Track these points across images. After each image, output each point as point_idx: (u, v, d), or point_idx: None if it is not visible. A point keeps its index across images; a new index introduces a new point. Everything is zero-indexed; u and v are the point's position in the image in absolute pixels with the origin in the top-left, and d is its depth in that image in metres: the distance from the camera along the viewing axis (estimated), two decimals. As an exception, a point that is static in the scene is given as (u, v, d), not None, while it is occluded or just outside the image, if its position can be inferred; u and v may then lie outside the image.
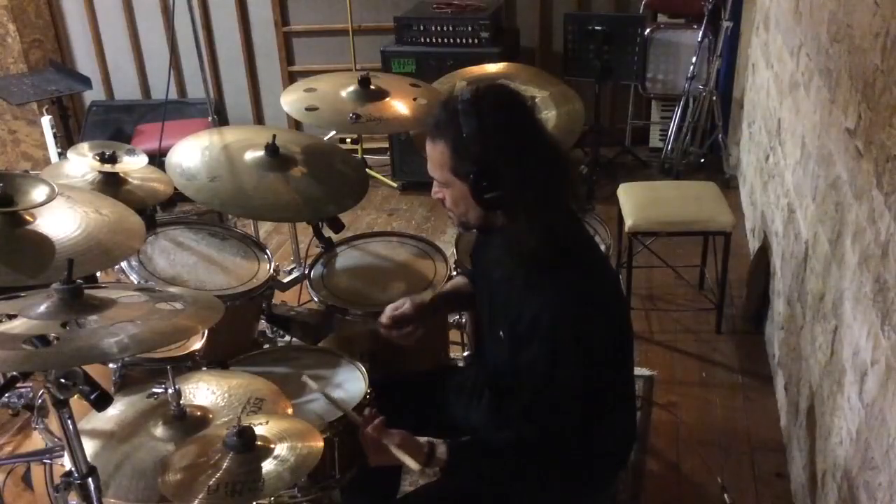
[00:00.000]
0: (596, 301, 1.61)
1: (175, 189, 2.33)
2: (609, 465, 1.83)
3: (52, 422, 2.09)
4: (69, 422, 1.42)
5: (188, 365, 1.97)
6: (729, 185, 4.47)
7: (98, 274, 2.15)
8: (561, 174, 1.64)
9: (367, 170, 3.75)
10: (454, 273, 2.38)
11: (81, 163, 2.26)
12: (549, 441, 1.62)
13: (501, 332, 1.70)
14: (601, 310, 1.62)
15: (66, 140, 3.86)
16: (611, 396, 1.69)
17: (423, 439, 1.65)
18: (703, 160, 4.66)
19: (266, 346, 2.41)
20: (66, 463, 1.50)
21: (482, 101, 1.60)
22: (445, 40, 4.41)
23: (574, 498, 1.79)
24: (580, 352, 1.58)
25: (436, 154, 1.63)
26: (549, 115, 2.59)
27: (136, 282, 2.16)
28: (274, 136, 2.39)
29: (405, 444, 1.63)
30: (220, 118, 5.09)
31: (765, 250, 3.34)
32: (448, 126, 1.59)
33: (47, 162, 4.41)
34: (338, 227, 2.45)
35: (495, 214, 1.64)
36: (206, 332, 2.02)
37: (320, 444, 1.56)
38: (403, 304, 1.96)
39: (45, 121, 3.77)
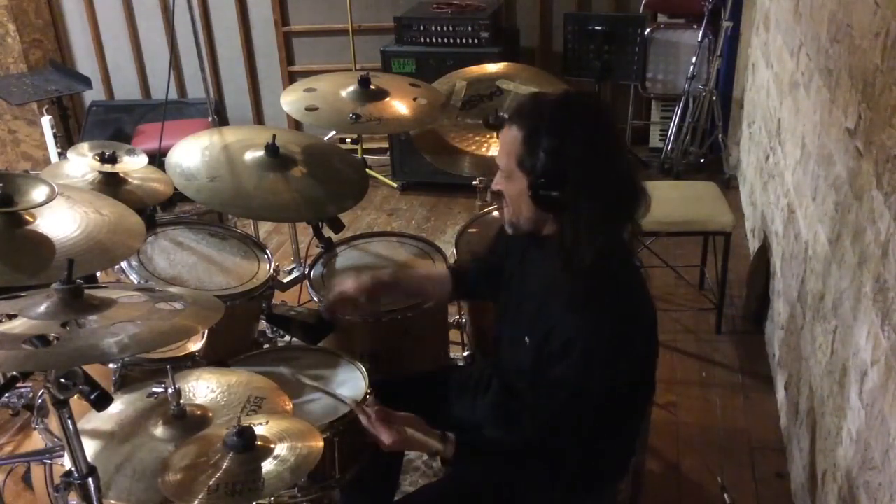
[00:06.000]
0: (631, 335, 1.59)
1: (175, 189, 2.33)
2: (613, 468, 1.83)
3: (52, 422, 2.09)
4: (69, 422, 1.41)
5: (188, 365, 1.97)
6: (729, 185, 4.47)
7: (98, 274, 2.15)
8: (625, 204, 1.59)
9: (367, 170, 3.75)
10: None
11: (81, 163, 2.26)
12: (558, 447, 1.62)
13: (527, 339, 1.69)
14: (635, 344, 1.60)
15: (66, 140, 3.86)
16: (628, 414, 1.69)
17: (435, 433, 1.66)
18: (703, 160, 4.66)
19: (266, 346, 2.41)
20: (66, 463, 1.50)
21: (571, 103, 1.58)
22: (445, 40, 4.41)
23: (575, 499, 1.79)
24: (608, 381, 1.57)
25: (508, 139, 1.59)
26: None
27: (136, 282, 2.16)
28: (274, 136, 2.39)
29: (418, 426, 1.64)
30: (220, 118, 5.09)
31: (765, 250, 3.34)
32: (530, 115, 1.56)
33: (47, 162, 4.41)
34: (338, 227, 2.45)
35: (546, 221, 1.61)
36: (206, 332, 2.02)
37: (320, 444, 1.56)
38: (345, 286, 2.00)
39: (45, 121, 3.77)
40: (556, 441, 1.62)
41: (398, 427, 1.64)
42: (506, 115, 1.62)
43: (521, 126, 1.56)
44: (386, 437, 1.65)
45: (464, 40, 4.39)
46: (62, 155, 3.41)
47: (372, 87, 2.57)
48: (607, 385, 1.56)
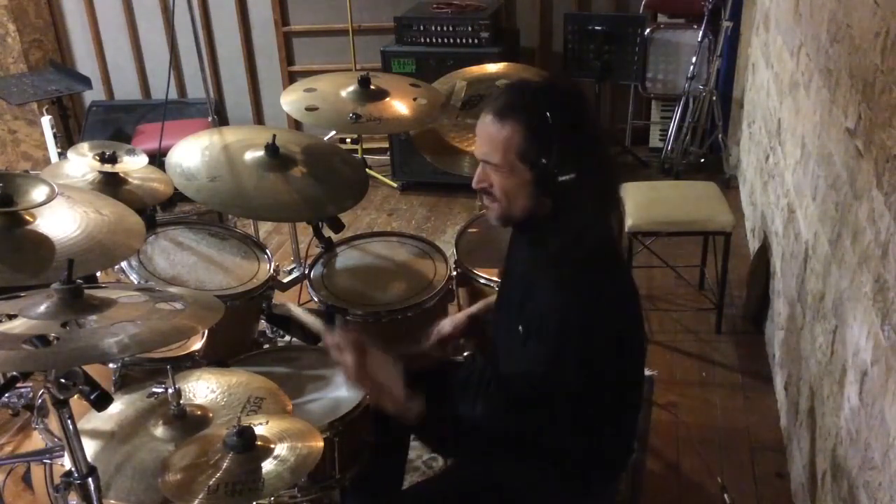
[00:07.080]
0: (608, 312, 1.60)
1: (175, 189, 2.34)
2: (608, 467, 1.82)
3: (52, 422, 2.09)
4: (69, 422, 1.42)
5: (188, 365, 1.97)
6: (729, 185, 4.47)
7: (98, 274, 2.15)
8: (612, 180, 1.65)
9: (367, 170, 3.75)
10: (454, 273, 2.38)
11: (81, 163, 2.26)
12: (526, 429, 1.62)
13: (521, 327, 1.69)
14: (612, 321, 1.61)
15: (66, 140, 3.86)
16: (614, 402, 1.68)
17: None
18: (703, 160, 4.66)
19: (266, 346, 2.41)
20: (66, 463, 1.50)
21: (555, 90, 1.60)
22: (445, 40, 4.41)
23: (574, 497, 1.79)
24: (583, 358, 1.56)
25: (501, 136, 1.58)
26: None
27: (136, 282, 2.16)
28: (274, 136, 2.39)
29: (390, 368, 1.63)
30: (220, 118, 5.10)
31: (765, 250, 3.34)
32: (524, 109, 1.56)
33: (47, 162, 4.41)
34: (338, 227, 2.46)
35: (544, 207, 1.61)
36: (206, 332, 2.02)
37: (320, 444, 1.56)
38: (443, 328, 2.00)
39: (45, 121, 3.77)
40: (531, 420, 1.61)
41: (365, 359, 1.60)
42: (490, 112, 1.62)
43: (517, 120, 1.56)
44: (349, 360, 1.59)
45: (464, 40, 4.39)
46: (62, 155, 3.40)
47: (372, 87, 2.57)
48: (581, 361, 1.56)
